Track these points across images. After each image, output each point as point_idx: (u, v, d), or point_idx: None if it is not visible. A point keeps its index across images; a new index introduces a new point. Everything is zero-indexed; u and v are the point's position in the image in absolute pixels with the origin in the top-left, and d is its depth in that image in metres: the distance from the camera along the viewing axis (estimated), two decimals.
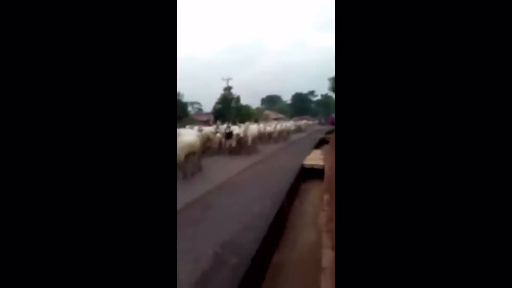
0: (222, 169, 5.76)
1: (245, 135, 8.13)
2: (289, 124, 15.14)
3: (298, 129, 18.49)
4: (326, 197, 3.86)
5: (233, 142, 7.93)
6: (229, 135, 8.03)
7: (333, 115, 34.08)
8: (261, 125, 11.09)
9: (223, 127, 8.47)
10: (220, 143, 8.40)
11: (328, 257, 2.20)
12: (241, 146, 8.29)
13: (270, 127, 11.53)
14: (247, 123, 9.38)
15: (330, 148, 9.26)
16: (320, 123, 34.88)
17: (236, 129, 8.16)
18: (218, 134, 8.18)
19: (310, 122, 29.21)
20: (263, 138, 10.75)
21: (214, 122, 15.11)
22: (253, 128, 9.05)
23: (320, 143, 10.72)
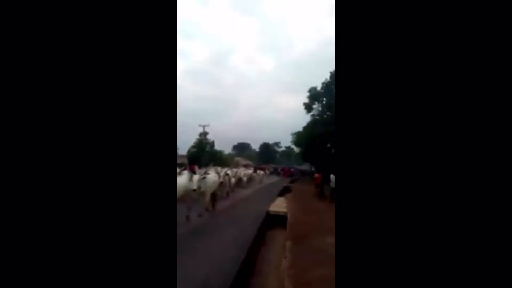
0: None
1: None
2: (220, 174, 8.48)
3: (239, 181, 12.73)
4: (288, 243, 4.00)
5: None
6: None
7: (291, 167, 33.37)
8: None
9: None
10: None
11: None
12: None
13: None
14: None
15: (292, 196, 10.20)
16: (274, 173, 30.30)
17: None
18: None
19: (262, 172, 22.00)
20: None
21: (189, 165, 12.52)
22: None
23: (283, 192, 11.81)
